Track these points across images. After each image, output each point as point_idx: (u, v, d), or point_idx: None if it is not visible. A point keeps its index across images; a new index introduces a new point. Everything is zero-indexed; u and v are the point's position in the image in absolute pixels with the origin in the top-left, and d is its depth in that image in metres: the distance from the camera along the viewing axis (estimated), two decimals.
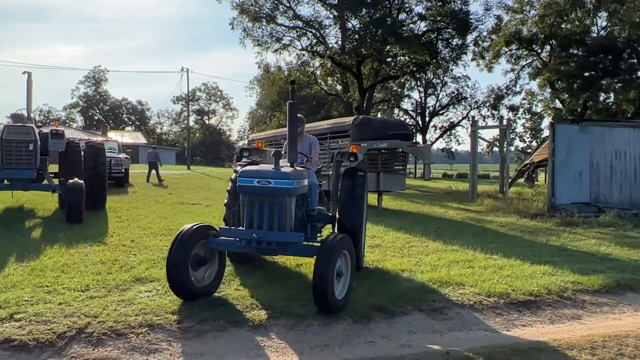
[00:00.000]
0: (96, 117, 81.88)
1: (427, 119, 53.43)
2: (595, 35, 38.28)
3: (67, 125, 66.56)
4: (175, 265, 5.07)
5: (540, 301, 5.93)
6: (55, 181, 11.03)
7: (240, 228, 5.40)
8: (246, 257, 6.60)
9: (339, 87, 43.22)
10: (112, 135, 49.51)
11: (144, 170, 25.40)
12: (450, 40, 33.19)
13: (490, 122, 50.05)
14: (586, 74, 36.83)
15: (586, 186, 15.38)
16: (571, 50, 37.69)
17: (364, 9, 29.99)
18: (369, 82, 34.82)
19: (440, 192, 23.92)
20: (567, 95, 39.81)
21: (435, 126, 56.08)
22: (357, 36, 30.58)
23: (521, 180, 28.70)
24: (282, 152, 6.05)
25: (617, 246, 9.57)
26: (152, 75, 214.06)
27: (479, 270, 7.00)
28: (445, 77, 48.51)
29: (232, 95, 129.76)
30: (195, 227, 5.33)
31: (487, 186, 25.49)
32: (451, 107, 53.76)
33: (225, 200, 6.81)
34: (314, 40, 33.04)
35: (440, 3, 32.11)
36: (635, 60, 36.56)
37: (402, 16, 32.23)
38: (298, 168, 5.74)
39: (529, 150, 48.70)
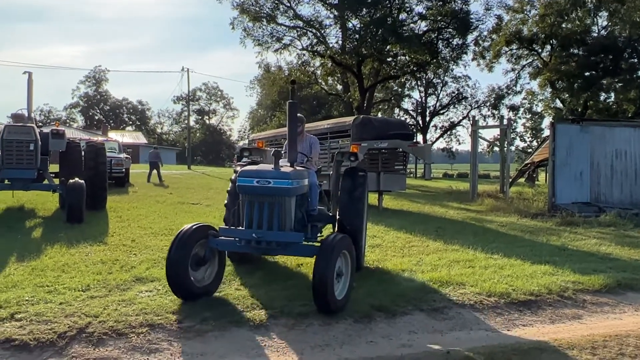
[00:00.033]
0: (97, 117, 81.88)
1: (427, 118, 53.49)
2: (595, 34, 38.28)
3: (67, 125, 66.55)
4: (174, 265, 5.07)
5: (541, 301, 5.93)
6: (56, 181, 11.04)
7: (240, 228, 5.40)
8: (246, 257, 6.59)
9: (339, 87, 43.22)
10: (113, 135, 49.50)
11: (144, 170, 25.41)
12: (450, 40, 33.19)
13: (490, 121, 50.13)
14: (587, 73, 36.84)
15: (587, 186, 15.37)
16: (572, 50, 37.70)
17: (364, 9, 29.99)
18: (370, 82, 34.82)
19: (441, 192, 23.91)
20: (567, 95, 39.81)
21: (435, 126, 56.20)
22: (357, 36, 30.57)
23: (522, 180, 28.69)
24: (282, 151, 6.05)
25: (618, 246, 9.57)
26: (153, 75, 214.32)
27: (480, 270, 7.00)
28: (445, 77, 48.59)
29: (232, 95, 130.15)
30: (194, 227, 5.32)
31: (488, 186, 25.49)
32: (452, 106, 53.85)
33: (226, 201, 6.80)
34: (315, 40, 33.07)
35: (441, 3, 32.10)
36: (635, 60, 36.56)
37: (403, 16, 32.24)
38: (298, 168, 5.73)
39: (530, 150, 48.73)
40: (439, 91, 53.16)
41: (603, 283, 6.61)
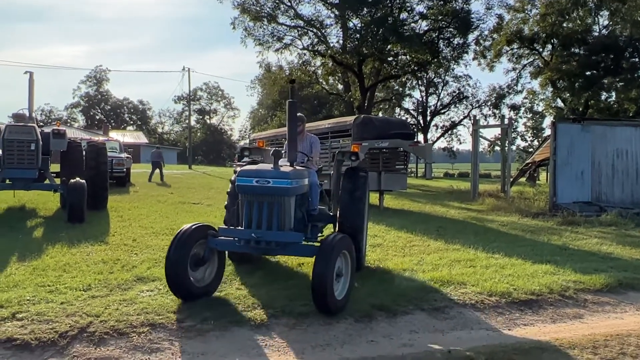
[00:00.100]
0: (98, 117, 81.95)
1: (428, 118, 53.52)
2: (596, 34, 38.23)
3: (68, 124, 66.67)
4: (174, 265, 5.05)
5: (542, 300, 5.92)
6: (57, 181, 11.04)
7: (240, 228, 5.39)
8: (247, 257, 6.58)
9: (340, 87, 43.22)
10: (114, 134, 49.60)
11: (145, 169, 25.45)
12: (451, 40, 33.17)
13: (491, 121, 50.21)
14: (588, 72, 36.81)
15: (588, 185, 15.35)
16: (573, 49, 37.66)
17: (365, 8, 29.99)
18: (370, 82, 34.81)
19: (442, 192, 23.90)
20: (568, 94, 39.77)
21: (436, 125, 56.25)
22: (358, 35, 30.56)
23: (523, 179, 28.67)
24: (283, 151, 6.04)
25: (619, 245, 9.55)
26: (153, 75, 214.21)
27: (481, 270, 6.99)
28: (446, 76, 48.68)
29: (233, 95, 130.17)
30: (194, 227, 5.30)
31: (489, 185, 25.46)
32: (452, 106, 53.90)
33: (226, 202, 6.76)
34: (315, 40, 33.08)
35: (442, 2, 32.09)
36: (636, 59, 36.51)
37: (404, 15, 32.22)
38: (298, 167, 5.71)
39: (531, 150, 48.71)
40: (440, 91, 53.26)
41: (604, 282, 6.60)
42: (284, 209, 5.28)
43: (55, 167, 11.79)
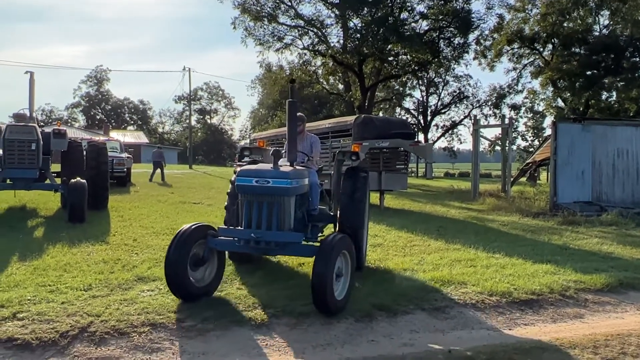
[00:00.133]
0: (98, 117, 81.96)
1: (429, 117, 53.49)
2: (597, 33, 38.19)
3: (69, 124, 66.69)
4: (173, 265, 5.04)
5: (543, 300, 5.92)
6: (58, 181, 11.04)
7: (239, 228, 5.39)
8: (247, 257, 6.57)
9: (340, 86, 43.23)
10: (114, 134, 49.65)
11: (146, 169, 25.46)
12: (452, 39, 33.19)
13: (492, 121, 50.17)
14: (588, 72, 36.76)
15: (588, 185, 15.35)
16: (573, 49, 37.62)
17: (365, 8, 29.98)
18: (371, 81, 34.82)
19: (442, 191, 23.90)
20: (569, 94, 39.75)
21: (437, 125, 56.21)
22: (358, 35, 30.58)
23: (523, 179, 28.65)
24: (283, 151, 6.04)
25: (620, 245, 9.55)
26: (154, 74, 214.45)
27: (481, 269, 6.99)
28: (447, 76, 48.67)
29: (233, 95, 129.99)
30: (193, 227, 5.29)
31: (489, 185, 25.45)
32: (453, 106, 53.88)
33: (226, 203, 6.74)
34: (316, 40, 33.09)
35: (442, 2, 32.09)
36: (637, 59, 36.45)
37: (404, 15, 32.23)
38: (298, 167, 5.70)
39: (531, 149, 48.64)
40: (441, 90, 53.24)
41: (605, 282, 6.60)
42: (284, 209, 5.28)
43: (55, 167, 11.78)
